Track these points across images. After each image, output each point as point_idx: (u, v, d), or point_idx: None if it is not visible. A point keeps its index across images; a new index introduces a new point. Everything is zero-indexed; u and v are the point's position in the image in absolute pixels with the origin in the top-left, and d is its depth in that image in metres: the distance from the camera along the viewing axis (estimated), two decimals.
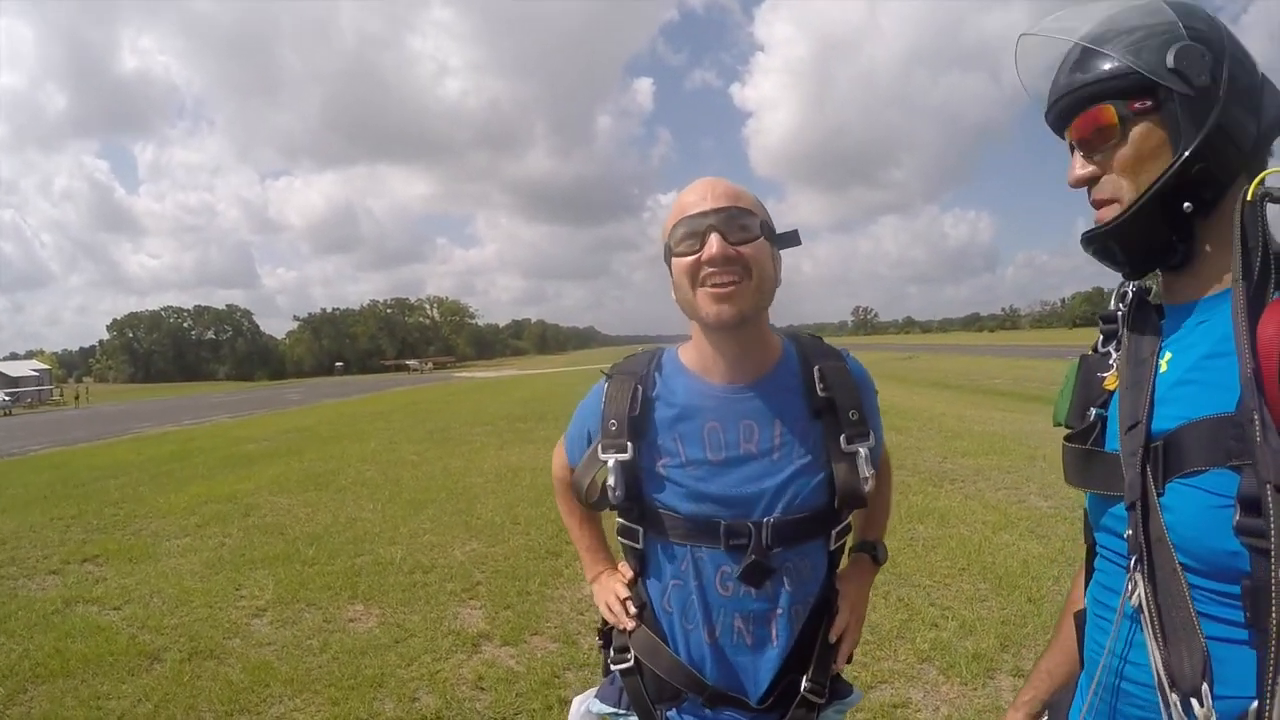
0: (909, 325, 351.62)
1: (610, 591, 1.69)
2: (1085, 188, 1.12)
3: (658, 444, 1.54)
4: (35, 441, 24.98)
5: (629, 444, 1.52)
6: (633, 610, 1.62)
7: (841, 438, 1.50)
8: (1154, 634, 0.96)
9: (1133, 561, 0.99)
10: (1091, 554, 1.21)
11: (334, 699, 4.27)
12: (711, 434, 1.51)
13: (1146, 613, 0.97)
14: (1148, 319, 1.15)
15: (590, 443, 1.65)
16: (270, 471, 13.34)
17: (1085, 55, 1.08)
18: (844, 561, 1.69)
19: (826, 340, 1.67)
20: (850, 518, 1.59)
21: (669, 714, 1.59)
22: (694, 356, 1.59)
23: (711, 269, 1.41)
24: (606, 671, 1.72)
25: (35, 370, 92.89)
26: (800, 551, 1.51)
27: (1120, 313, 1.20)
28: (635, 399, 1.55)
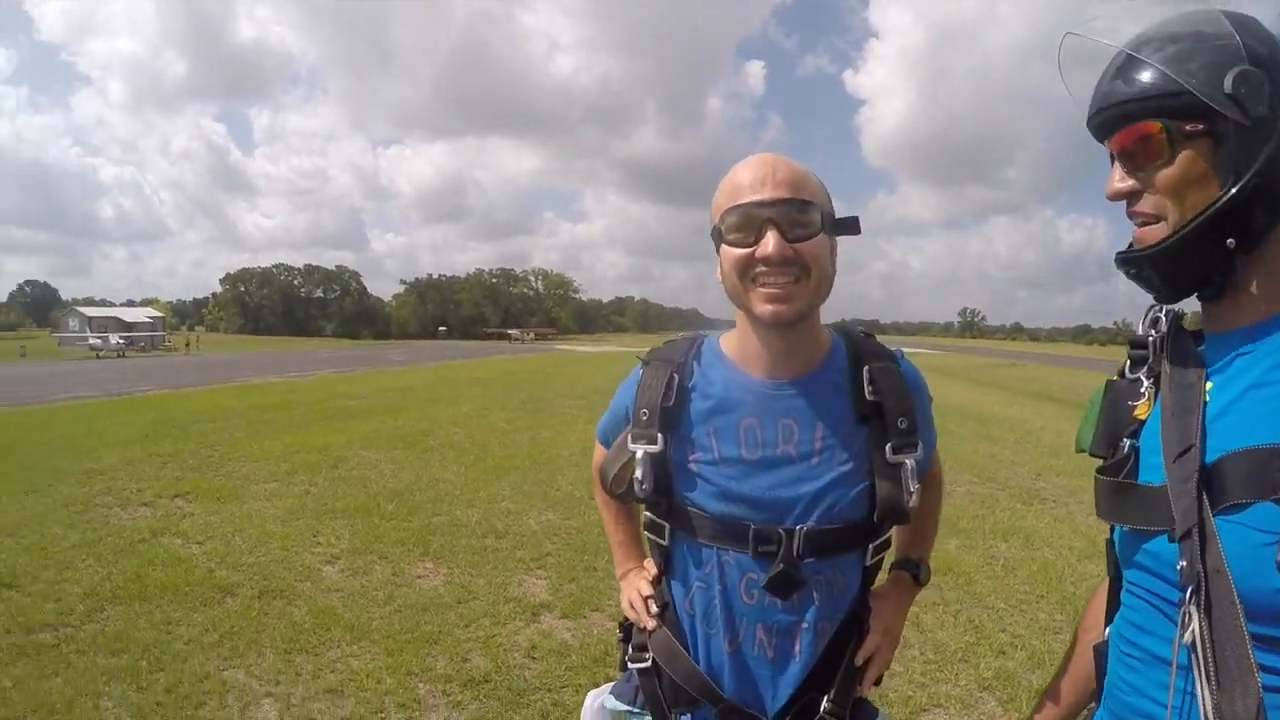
0: (1016, 331, 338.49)
1: (634, 588, 1.66)
2: (1123, 201, 1.09)
3: (690, 437, 1.48)
4: (145, 383, 26.61)
5: (659, 435, 1.47)
6: (654, 609, 1.59)
7: (888, 447, 1.41)
8: (1205, 674, 0.91)
9: (1188, 594, 0.94)
10: (1116, 586, 1.19)
11: (389, 650, 4.46)
12: (748, 431, 1.44)
13: (1200, 651, 0.92)
14: (1187, 345, 1.12)
15: (622, 431, 1.61)
16: (363, 427, 13.86)
17: (1133, 64, 1.04)
18: (882, 578, 1.64)
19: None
20: (891, 532, 1.52)
21: (684, 718, 1.55)
22: (736, 346, 1.52)
23: (767, 268, 1.34)
24: (624, 668, 1.68)
25: (150, 318, 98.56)
26: (833, 564, 1.44)
27: (1152, 339, 1.17)
28: (670, 388, 1.49)
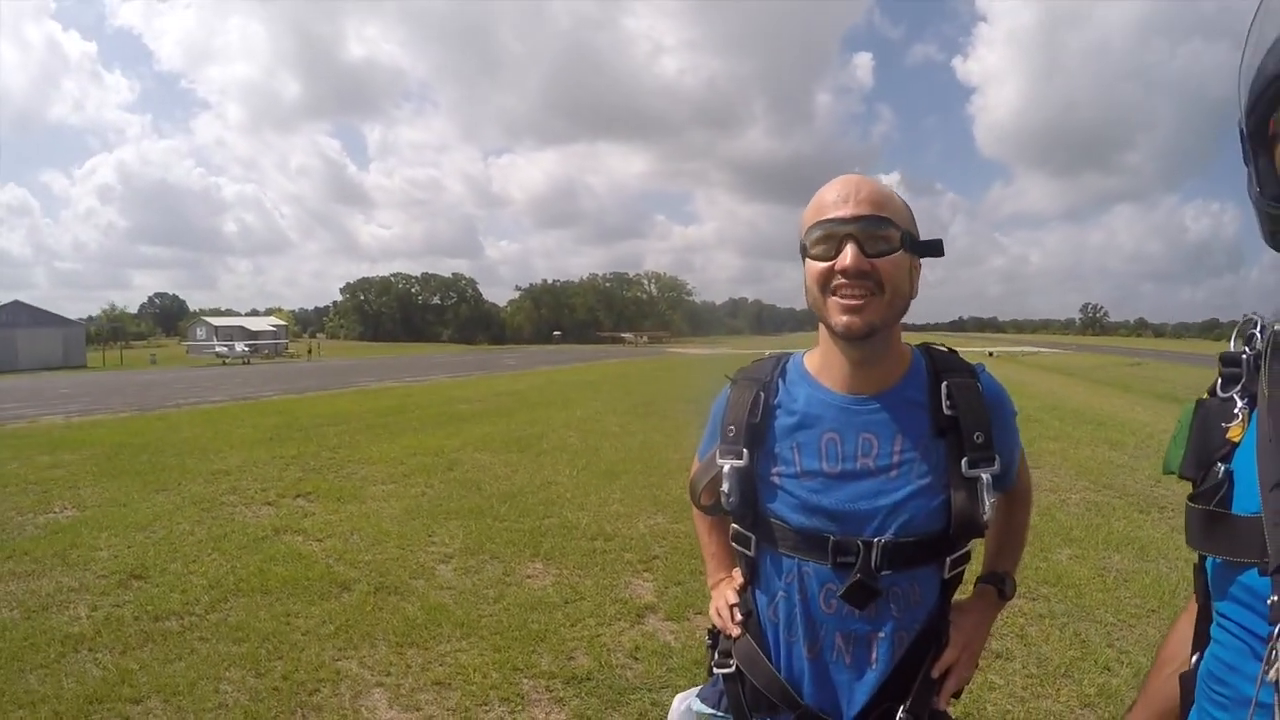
0: (1141, 327, 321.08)
1: (721, 597, 1.73)
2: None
3: (774, 452, 1.55)
4: (269, 388, 28.04)
5: (745, 450, 1.54)
6: (738, 617, 1.65)
7: (964, 461, 1.45)
8: None
9: (1276, 630, 0.90)
10: (1204, 616, 1.13)
11: (497, 646, 4.60)
12: (829, 445, 1.50)
13: None
14: None
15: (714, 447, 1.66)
16: (478, 430, 14.24)
17: None
18: (966, 591, 1.67)
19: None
20: (969, 546, 1.53)
21: None
22: (819, 363, 1.59)
23: (844, 280, 1.40)
24: (710, 673, 1.75)
25: (273, 326, 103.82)
26: (910, 576, 1.48)
27: (1245, 355, 1.12)
28: (757, 405, 1.57)
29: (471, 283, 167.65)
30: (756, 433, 1.56)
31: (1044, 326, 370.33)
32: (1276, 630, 0.90)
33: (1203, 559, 1.12)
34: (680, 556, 6.33)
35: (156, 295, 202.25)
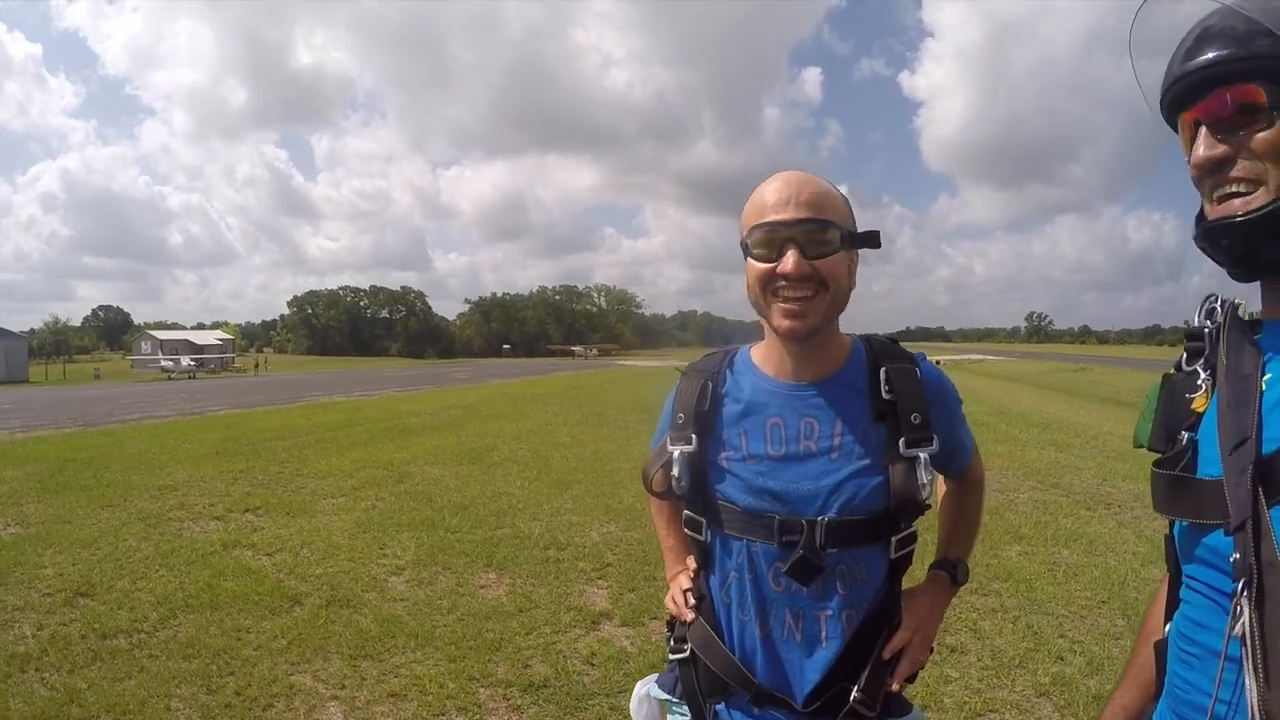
0: (1085, 334, 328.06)
1: (677, 585, 1.78)
2: (1204, 172, 1.04)
3: (722, 437, 1.60)
4: (215, 403, 27.47)
5: (694, 436, 1.59)
6: (691, 602, 1.69)
7: (901, 441, 1.50)
8: (1254, 668, 0.91)
9: (1239, 587, 0.94)
10: (1175, 584, 1.17)
11: (452, 656, 4.55)
12: (774, 429, 1.55)
13: (1248, 645, 0.92)
14: (1243, 336, 1.10)
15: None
16: (429, 443, 14.11)
17: (1228, 26, 1.00)
18: (919, 578, 1.72)
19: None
20: (914, 526, 1.57)
21: (717, 708, 1.64)
22: (763, 354, 1.64)
23: (786, 284, 1.44)
24: (669, 661, 1.78)
25: (219, 339, 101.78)
26: (855, 555, 1.51)
27: (1208, 330, 1.16)
28: (704, 394, 1.62)
29: (420, 296, 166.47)
30: (705, 420, 1.61)
31: (990, 335, 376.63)
32: (1240, 586, 0.93)
33: (1172, 526, 1.15)
34: (634, 563, 6.33)
35: (101, 308, 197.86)
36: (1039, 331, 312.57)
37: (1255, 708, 0.89)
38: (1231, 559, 0.95)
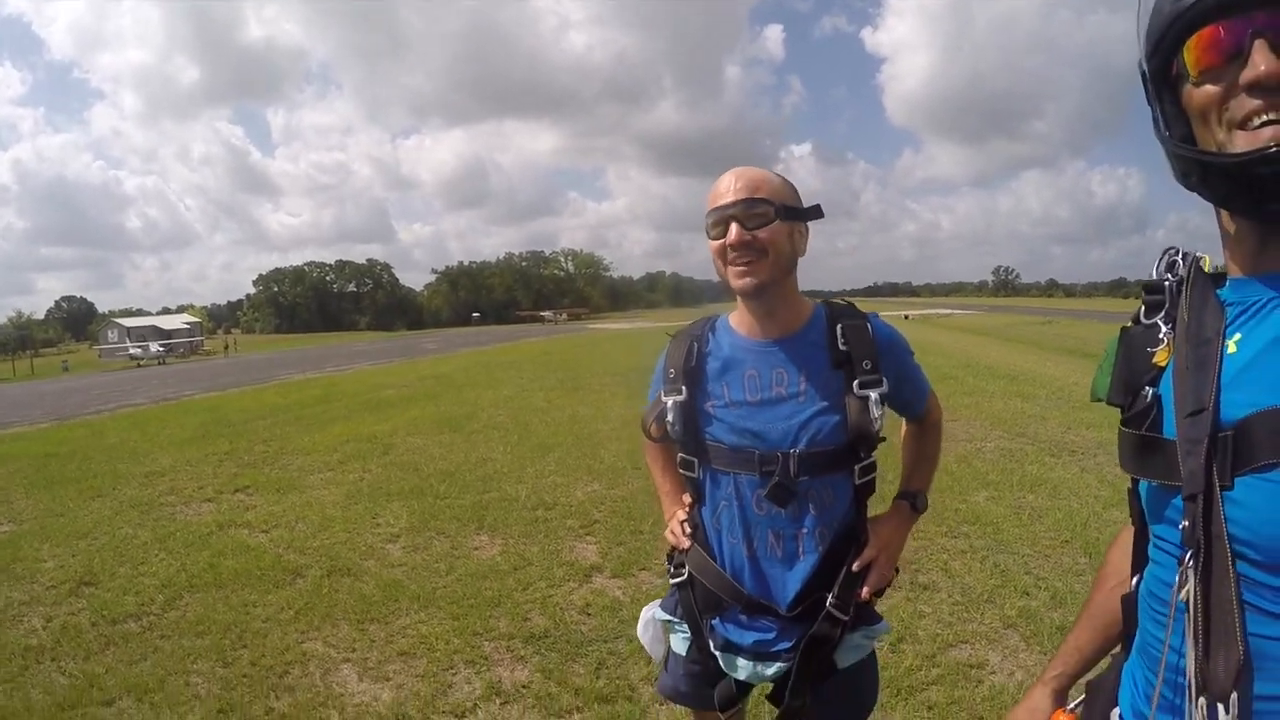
0: (1052, 288, 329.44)
1: (674, 519, 2.06)
2: (1265, 91, 0.89)
3: (708, 389, 1.90)
4: (189, 388, 27.25)
5: (684, 388, 1.90)
6: (688, 530, 2.00)
7: (855, 383, 1.78)
8: (1194, 635, 0.93)
9: (1186, 556, 0.94)
10: (1142, 539, 1.16)
11: (454, 614, 4.72)
12: (750, 380, 1.85)
13: (1191, 611, 0.93)
14: (1206, 293, 1.05)
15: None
16: (408, 415, 14.18)
17: None
18: (884, 508, 2.00)
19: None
20: (873, 457, 1.86)
21: (713, 622, 1.94)
22: (738, 319, 1.93)
23: (734, 252, 1.75)
24: (670, 586, 2.07)
25: (186, 323, 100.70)
26: (824, 481, 1.81)
27: (1168, 283, 1.13)
28: (691, 353, 1.93)
29: (387, 268, 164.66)
30: (693, 374, 1.91)
31: (958, 289, 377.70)
32: (1188, 554, 0.94)
33: (1135, 483, 1.14)
34: (620, 519, 6.49)
35: (64, 299, 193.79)
36: (1006, 285, 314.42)
37: (1192, 675, 0.92)
38: (1181, 526, 0.96)
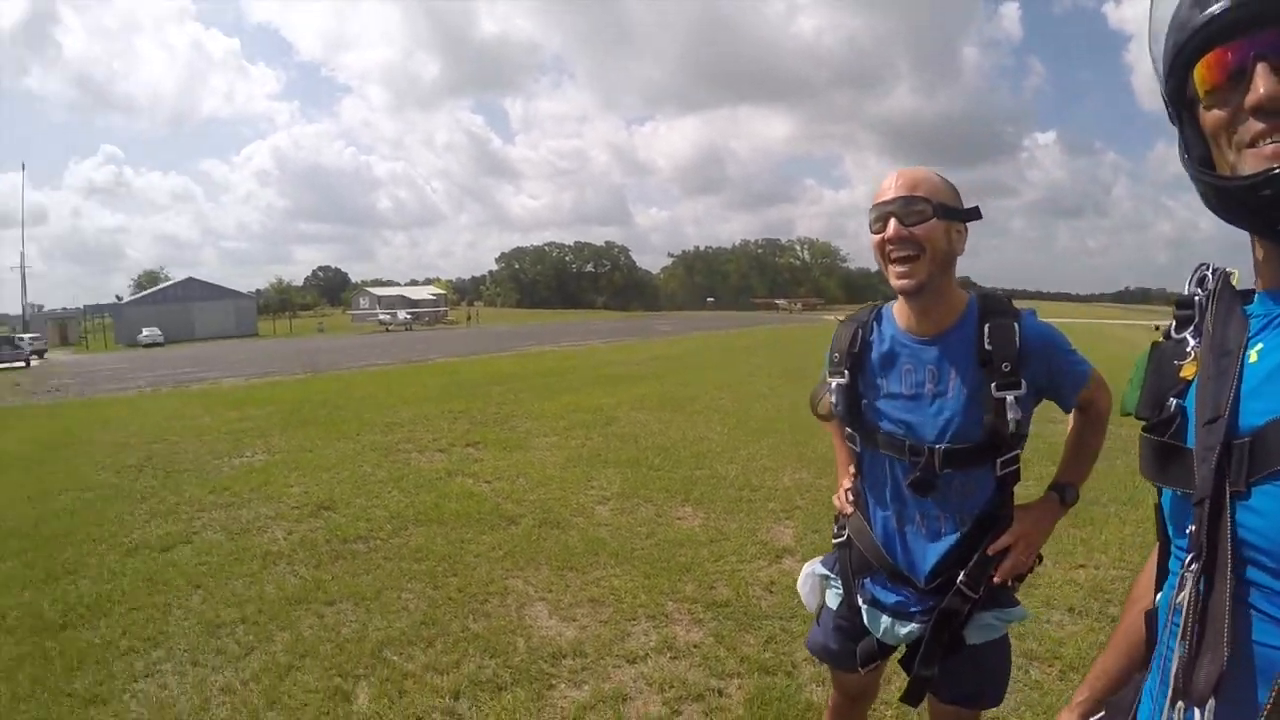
0: None
1: (841, 487, 2.25)
2: (1267, 113, 0.90)
3: (868, 377, 2.07)
4: (432, 352, 29.56)
5: (846, 372, 2.08)
6: (851, 498, 2.19)
7: (993, 385, 1.87)
8: (1183, 637, 0.94)
9: (1188, 559, 0.96)
10: (1165, 553, 1.16)
11: (646, 574, 4.98)
12: (906, 374, 2.00)
13: (1185, 614, 0.94)
14: (1232, 306, 1.07)
15: None
16: (634, 391, 14.69)
17: None
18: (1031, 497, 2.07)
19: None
20: (1014, 451, 1.94)
21: (863, 581, 2.13)
22: (900, 310, 2.06)
23: (892, 247, 1.86)
24: (833, 545, 2.27)
25: (432, 295, 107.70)
26: (966, 474, 1.94)
27: (1198, 298, 1.15)
28: (855, 339, 2.08)
29: (624, 250, 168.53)
30: (856, 360, 2.08)
31: None
32: (1189, 558, 0.96)
33: (1160, 497, 1.15)
34: (821, 508, 6.51)
35: (320, 268, 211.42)
36: None
37: (1176, 673, 0.94)
38: (1188, 530, 0.98)
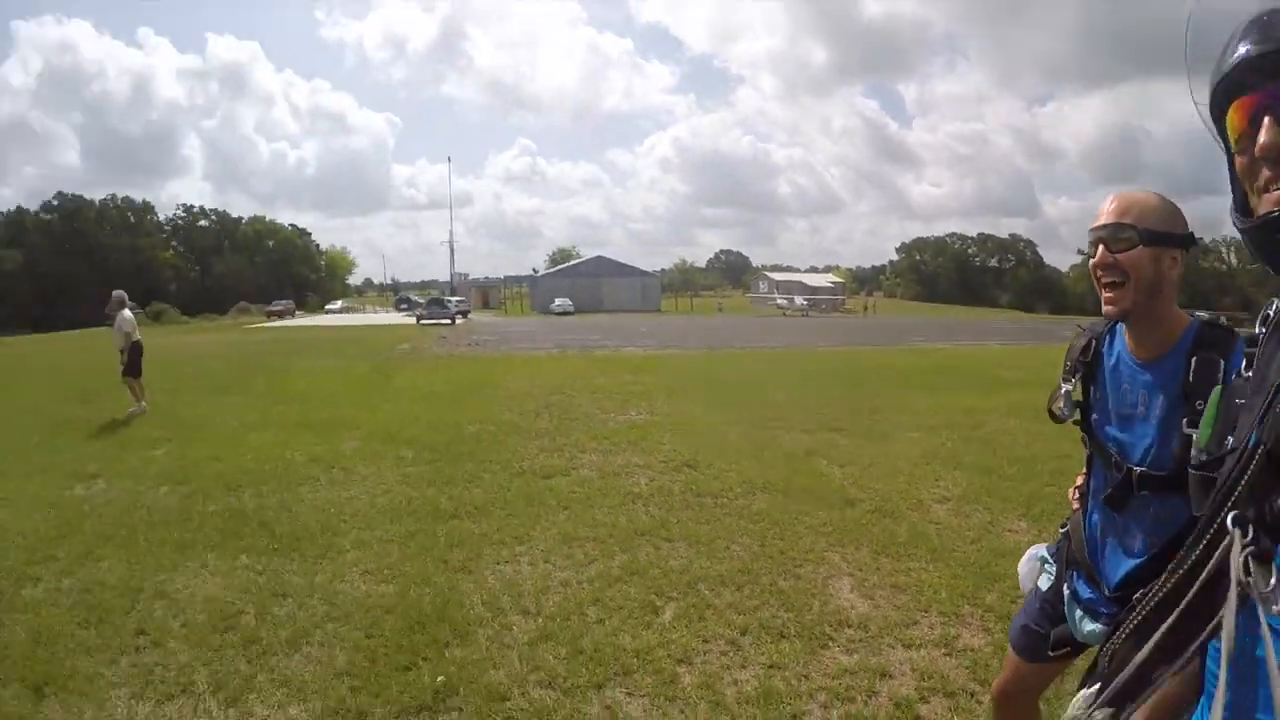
0: None
1: (1073, 483, 2.39)
2: (1271, 161, 0.96)
3: (1093, 388, 2.17)
4: (822, 340, 30.59)
5: (1074, 379, 2.20)
6: (1076, 495, 2.32)
7: (1184, 420, 1.88)
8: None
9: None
10: None
11: (956, 574, 5.17)
12: (1125, 393, 2.07)
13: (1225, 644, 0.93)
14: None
15: None
16: (1011, 397, 14.20)
17: None
18: None
19: None
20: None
21: (1073, 573, 2.28)
22: (1127, 330, 2.10)
23: (1100, 272, 1.95)
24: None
25: (831, 283, 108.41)
26: (1162, 500, 1.96)
27: (1261, 334, 1.15)
28: (1087, 349, 2.18)
29: (1030, 244, 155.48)
30: (1087, 368, 2.19)
31: None
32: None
33: None
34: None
35: (722, 251, 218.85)
36: None
37: (1139, 659, 1.07)
38: (1194, 553, 1.01)
